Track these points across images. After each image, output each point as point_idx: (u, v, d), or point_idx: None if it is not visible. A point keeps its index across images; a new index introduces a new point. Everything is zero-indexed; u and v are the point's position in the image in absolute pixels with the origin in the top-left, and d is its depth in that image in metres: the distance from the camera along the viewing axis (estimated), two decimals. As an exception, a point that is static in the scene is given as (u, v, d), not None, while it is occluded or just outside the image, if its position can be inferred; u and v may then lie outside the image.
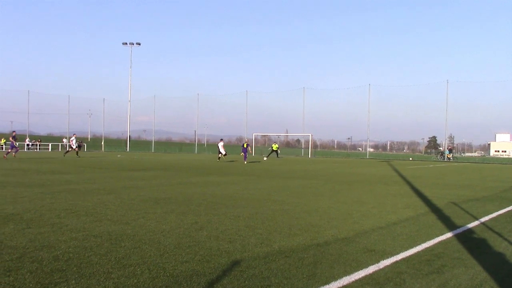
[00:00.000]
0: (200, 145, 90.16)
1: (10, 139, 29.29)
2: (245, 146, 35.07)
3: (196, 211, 8.21)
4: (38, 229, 6.23)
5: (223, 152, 35.08)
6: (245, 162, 33.46)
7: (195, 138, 79.92)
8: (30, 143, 66.97)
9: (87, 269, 4.37)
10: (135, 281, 4.06)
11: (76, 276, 4.15)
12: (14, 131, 32.95)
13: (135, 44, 70.03)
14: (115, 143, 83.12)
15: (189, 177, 16.81)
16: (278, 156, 50.24)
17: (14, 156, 31.92)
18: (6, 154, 27.86)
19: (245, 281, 4.13)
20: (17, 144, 25.69)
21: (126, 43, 70.03)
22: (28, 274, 4.17)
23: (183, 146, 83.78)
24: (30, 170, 19.24)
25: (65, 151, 38.55)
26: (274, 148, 50.37)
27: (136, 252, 5.09)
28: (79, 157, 35.24)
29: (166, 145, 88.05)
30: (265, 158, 43.05)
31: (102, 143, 75.60)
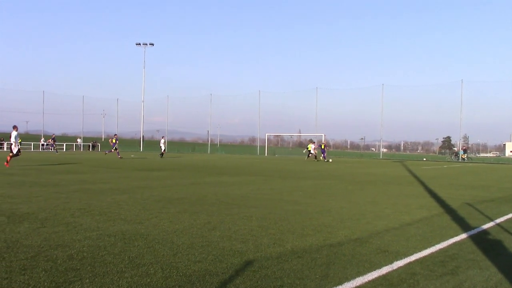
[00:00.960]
0: (213, 145, 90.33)
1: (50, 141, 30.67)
2: (322, 147, 40.66)
3: (209, 211, 8.23)
4: (53, 228, 6.29)
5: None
6: (326, 160, 38.86)
7: (208, 138, 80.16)
8: (45, 143, 67.65)
9: (101, 268, 4.41)
10: (148, 280, 4.08)
11: (90, 275, 4.18)
12: (53, 134, 34.57)
13: (148, 44, 70.39)
14: (129, 143, 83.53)
15: (202, 177, 16.86)
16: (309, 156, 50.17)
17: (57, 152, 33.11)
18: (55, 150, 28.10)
19: (257, 281, 4.13)
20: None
21: (139, 44, 70.41)
22: (43, 272, 4.21)
23: (196, 146, 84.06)
24: (45, 169, 19.44)
25: (109, 151, 38.78)
26: (309, 148, 50.30)
27: (149, 251, 5.12)
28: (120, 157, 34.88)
29: (179, 145, 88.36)
30: (316, 159, 43.89)
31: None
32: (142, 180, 14.96)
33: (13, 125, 21.27)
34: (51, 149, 51.42)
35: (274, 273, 4.40)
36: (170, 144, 76.78)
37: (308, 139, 49.84)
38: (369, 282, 4.24)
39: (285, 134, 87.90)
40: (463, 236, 6.55)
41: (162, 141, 41.71)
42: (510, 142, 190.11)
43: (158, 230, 6.33)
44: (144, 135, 77.63)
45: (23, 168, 19.95)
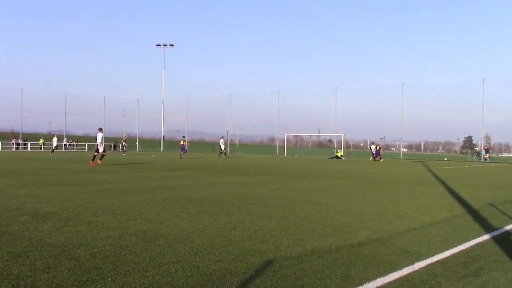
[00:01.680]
0: (233, 145, 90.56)
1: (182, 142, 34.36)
2: (377, 149, 43.74)
3: (229, 211, 8.26)
4: (76, 227, 6.39)
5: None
6: (381, 160, 42.21)
7: (227, 138, 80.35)
8: (68, 143, 68.60)
9: (123, 267, 4.46)
10: (169, 279, 4.12)
11: (112, 273, 4.23)
12: (125, 136, 36.02)
13: (168, 45, 70.89)
14: (149, 143, 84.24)
15: (222, 177, 16.92)
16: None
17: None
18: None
19: (278, 281, 4.14)
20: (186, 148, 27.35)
21: (159, 45, 70.97)
22: (66, 271, 4.28)
23: (215, 146, 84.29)
24: (68, 169, 19.72)
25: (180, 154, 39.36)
26: (339, 155, 50.34)
27: (170, 251, 5.16)
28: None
29: (199, 145, 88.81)
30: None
31: (137, 143, 76.73)
32: (163, 180, 15.08)
33: (98, 127, 24.04)
34: (121, 151, 51.98)
35: (294, 273, 4.41)
36: (190, 144, 77.09)
37: (370, 141, 52.01)
38: (390, 283, 4.21)
39: (305, 134, 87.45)
40: (486, 237, 6.46)
41: (222, 141, 43.95)
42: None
43: (178, 230, 6.38)
44: (164, 135, 78.15)
45: (46, 168, 20.26)
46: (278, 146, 68.02)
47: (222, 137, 45.88)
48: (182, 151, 38.78)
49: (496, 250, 5.68)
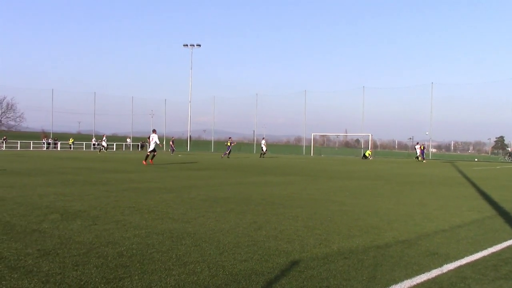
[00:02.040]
0: (259, 145, 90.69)
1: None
2: (422, 148, 44.28)
3: (255, 211, 8.26)
4: (104, 226, 6.48)
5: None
6: (424, 161, 42.27)
7: (253, 138, 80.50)
8: (96, 143, 69.71)
9: (149, 265, 4.50)
10: (195, 278, 4.14)
11: (139, 272, 4.28)
12: (230, 137, 37.27)
13: (195, 45, 71.36)
14: (176, 143, 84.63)
15: (248, 177, 16.95)
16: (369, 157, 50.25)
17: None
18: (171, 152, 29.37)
19: (303, 282, 4.11)
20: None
21: (187, 45, 71.48)
22: (94, 269, 4.34)
23: (242, 146, 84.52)
24: (95, 169, 20.03)
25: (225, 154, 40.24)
26: (367, 154, 50.46)
27: (196, 250, 5.19)
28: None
29: (225, 145, 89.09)
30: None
31: (164, 143, 77.50)
32: (189, 179, 15.19)
33: (152, 129, 25.20)
34: (170, 151, 52.26)
35: (320, 273, 4.38)
36: (217, 144, 77.46)
37: (415, 142, 52.06)
38: (418, 285, 4.14)
39: (331, 134, 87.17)
40: (517, 239, 6.31)
41: (263, 142, 45.19)
42: None
43: (204, 229, 6.41)
44: (191, 135, 78.70)
45: (75, 167, 20.63)
46: (305, 146, 67.79)
47: (264, 138, 47.22)
48: (227, 151, 40.42)
49: (528, 253, 5.54)
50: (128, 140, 75.87)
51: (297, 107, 72.43)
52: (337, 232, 6.47)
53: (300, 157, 52.40)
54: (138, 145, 74.29)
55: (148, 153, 24.77)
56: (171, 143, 54.86)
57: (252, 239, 5.83)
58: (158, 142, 24.59)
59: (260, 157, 43.56)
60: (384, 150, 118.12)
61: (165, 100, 78.37)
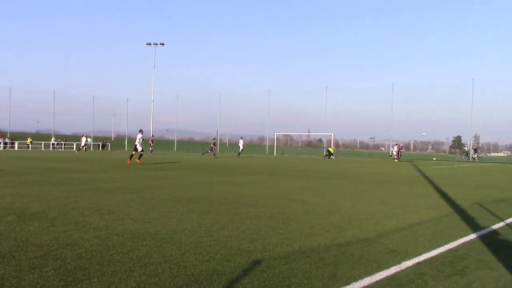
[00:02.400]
0: (222, 144, 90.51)
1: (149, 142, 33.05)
2: (399, 147, 45.51)
3: (218, 211, 8.24)
4: (62, 227, 6.33)
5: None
6: (396, 160, 43.72)
7: (217, 138, 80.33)
8: (56, 143, 68.15)
9: (109, 267, 4.43)
10: (156, 279, 4.10)
11: (99, 274, 4.20)
12: (214, 139, 38.79)
13: (158, 44, 70.60)
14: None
15: (212, 177, 16.89)
16: (333, 157, 50.71)
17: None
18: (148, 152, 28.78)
19: (265, 281, 4.13)
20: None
21: (150, 44, 70.63)
22: (52, 271, 4.24)
23: (205, 145, 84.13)
24: (56, 169, 19.57)
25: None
26: (331, 150, 51.21)
27: (157, 250, 5.14)
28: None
29: (188, 145, 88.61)
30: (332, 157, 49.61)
31: (126, 142, 76.40)
32: (152, 179, 15.02)
33: (139, 129, 25.75)
34: (210, 152, 51.10)
35: (282, 272, 4.41)
36: (180, 143, 76.96)
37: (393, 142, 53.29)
38: (377, 282, 4.22)
39: (295, 134, 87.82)
40: (473, 236, 6.51)
41: (241, 141, 46.37)
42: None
43: (166, 229, 6.35)
44: (154, 135, 77.84)
45: (34, 167, 20.10)
46: (268, 145, 68.09)
47: (242, 138, 47.79)
48: (211, 151, 42.41)
49: (483, 249, 5.73)
50: (89, 139, 74.37)
51: (261, 107, 72.67)
52: (299, 231, 6.53)
53: (263, 156, 52.59)
54: (99, 144, 73.00)
55: (133, 153, 25.30)
56: (150, 142, 54.23)
57: (214, 239, 5.81)
58: (140, 142, 25.01)
59: (238, 156, 44.68)
60: (346, 149, 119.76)
61: (127, 99, 77.36)
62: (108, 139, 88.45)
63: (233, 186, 13.13)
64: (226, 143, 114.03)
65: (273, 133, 68.86)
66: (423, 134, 59.20)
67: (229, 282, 4.09)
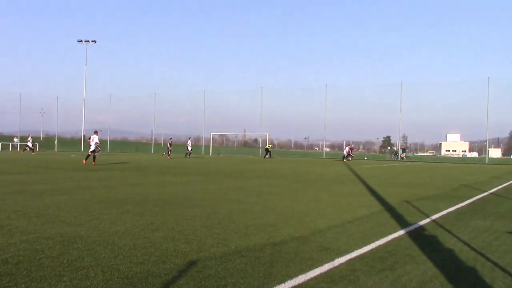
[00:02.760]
0: (157, 144, 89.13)
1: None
2: (350, 148, 47.44)
3: (152, 212, 8.11)
4: (-14, 232, 6.01)
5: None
6: (350, 159, 45.51)
7: (152, 138, 79.09)
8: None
9: (38, 272, 4.25)
10: (88, 283, 3.97)
11: (26, 279, 4.02)
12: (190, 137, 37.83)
13: (90, 41, 68.56)
14: (69, 143, 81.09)
15: (147, 177, 16.60)
16: (270, 156, 50.93)
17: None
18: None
19: (201, 281, 4.11)
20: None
21: (81, 41, 68.45)
22: (-25, 278, 4.01)
23: (139, 145, 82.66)
24: (-22, 170, 18.54)
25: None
26: (269, 148, 51.57)
27: (89, 254, 4.99)
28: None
29: (122, 145, 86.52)
30: (267, 156, 50.11)
31: (55, 142, 73.63)
32: (84, 180, 14.55)
33: (94, 130, 26.77)
34: (164, 154, 48.83)
35: (218, 272, 4.40)
36: (113, 143, 75.07)
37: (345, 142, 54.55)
38: (311, 279, 4.31)
39: (230, 134, 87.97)
40: (401, 232, 6.78)
41: (189, 142, 46.16)
42: (445, 142, 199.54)
43: (98, 232, 6.18)
44: (85, 134, 75.46)
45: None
46: (204, 145, 67.72)
47: (190, 138, 47.44)
48: (167, 151, 42.87)
49: (410, 244, 5.98)
50: (15, 140, 71.00)
51: (196, 107, 72.08)
52: (235, 230, 6.54)
53: (199, 156, 52.26)
54: (26, 145, 69.81)
55: (89, 153, 25.57)
56: (168, 145, 52.59)
57: (149, 241, 5.71)
58: (98, 143, 25.81)
59: (185, 156, 44.44)
60: (281, 149, 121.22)
61: (57, 97, 74.49)
62: (36, 139, 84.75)
63: (168, 187, 12.96)
64: (161, 143, 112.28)
65: (209, 133, 68.63)
66: (305, 137, 61.39)
67: (164, 283, 4.04)
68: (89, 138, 26.22)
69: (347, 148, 47.96)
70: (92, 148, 25.31)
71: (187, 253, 5.13)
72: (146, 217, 7.49)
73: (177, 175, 18.16)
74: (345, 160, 45.99)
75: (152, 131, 78.50)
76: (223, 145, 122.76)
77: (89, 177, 16.16)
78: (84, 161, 25.80)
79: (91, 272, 4.30)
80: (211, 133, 68.67)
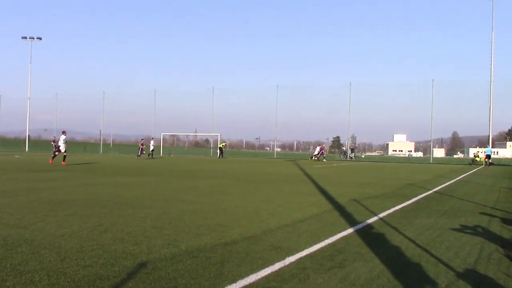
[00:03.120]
0: (106, 145, 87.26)
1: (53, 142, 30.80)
2: (321, 148, 48.55)
3: (101, 213, 7.93)
4: None
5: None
6: (324, 160, 46.46)
7: (100, 138, 77.36)
8: None
9: (-21, 277, 4.08)
10: (33, 288, 3.84)
11: (-34, 285, 3.85)
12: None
13: (35, 38, 66.31)
14: (13, 143, 78.05)
15: (94, 178, 16.21)
16: (222, 156, 50.80)
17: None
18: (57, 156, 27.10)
19: (151, 283, 4.06)
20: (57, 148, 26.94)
21: (25, 37, 66.11)
22: None
23: (87, 145, 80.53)
24: None
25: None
26: (221, 146, 51.61)
27: (34, 257, 4.82)
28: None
29: (69, 145, 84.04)
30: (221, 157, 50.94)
31: (-3, 142, 70.79)
32: (29, 182, 14.06)
33: (62, 130, 26.63)
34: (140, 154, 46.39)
35: (168, 274, 4.35)
36: (59, 143, 72.89)
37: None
38: (262, 278, 4.33)
39: (181, 134, 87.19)
40: (350, 230, 6.91)
41: (152, 142, 46.09)
42: (392, 142, 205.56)
43: (44, 235, 5.99)
44: (30, 135, 72.99)
45: None
46: (154, 146, 66.78)
47: (153, 138, 47.50)
48: (140, 152, 43.02)
49: (359, 242, 6.11)
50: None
51: (147, 107, 71.07)
52: (186, 231, 6.49)
53: (150, 157, 51.52)
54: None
55: (56, 153, 25.84)
56: (148, 144, 50.82)
57: (97, 243, 5.58)
58: (61, 143, 25.62)
59: (149, 157, 43.95)
60: (232, 149, 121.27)
61: (0, 96, 71.64)
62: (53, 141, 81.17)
63: (117, 188, 12.72)
64: (110, 143, 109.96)
65: (160, 133, 67.79)
66: (256, 137, 62.43)
67: (113, 286, 3.96)
68: (55, 140, 26.69)
69: (318, 148, 48.78)
70: (63, 148, 25.41)
71: (136, 255, 5.05)
72: (94, 219, 7.32)
73: (127, 176, 17.84)
74: (314, 159, 46.97)
75: (100, 131, 76.85)
76: (174, 145, 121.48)
77: (35, 178, 15.64)
78: (51, 161, 26.25)
79: (36, 276, 4.16)
80: (162, 133, 67.91)
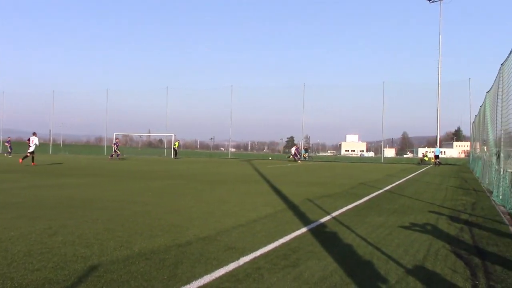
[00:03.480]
0: (56, 145, 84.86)
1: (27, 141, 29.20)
2: (297, 148, 50.31)
3: (50, 216, 7.70)
4: None
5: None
6: (299, 162, 45.99)
7: (49, 138, 75.13)
8: None
9: None
10: (-23, 294, 3.69)
11: None
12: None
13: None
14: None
15: (43, 180, 15.72)
16: (176, 156, 50.47)
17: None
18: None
19: (102, 287, 3.97)
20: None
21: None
22: None
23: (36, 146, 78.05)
24: None
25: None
26: (176, 146, 51.36)
27: (-22, 262, 4.63)
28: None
29: (16, 145, 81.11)
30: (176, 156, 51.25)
31: None
32: (-28, 184, 13.49)
33: (33, 132, 27.33)
34: (112, 156, 43.78)
35: (121, 276, 4.27)
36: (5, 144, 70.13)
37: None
38: (217, 279, 4.32)
39: (134, 134, 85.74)
40: (304, 230, 6.99)
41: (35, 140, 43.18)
42: (345, 142, 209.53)
43: (-11, 239, 5.76)
44: (30, 138, 70.05)
45: None
46: (106, 146, 65.49)
47: (118, 139, 46.54)
48: (115, 153, 42.44)
49: (312, 241, 6.18)
50: None
51: (99, 106, 69.57)
52: (139, 233, 6.40)
53: (101, 157, 50.44)
54: None
55: (28, 154, 26.24)
56: (6, 144, 48.49)
57: (46, 246, 5.42)
58: (37, 144, 26.77)
59: (111, 157, 43.21)
60: (187, 150, 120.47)
61: None
62: (26, 141, 77.18)
63: (67, 189, 12.38)
64: (60, 144, 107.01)
65: (112, 133, 66.47)
66: (211, 138, 62.83)
67: (62, 290, 3.85)
68: (28, 140, 26.91)
69: (293, 149, 49.89)
70: (31, 149, 26.09)
71: (87, 258, 4.93)
72: (43, 221, 7.10)
73: (78, 177, 17.41)
74: (294, 158, 48.32)
75: (50, 131, 74.60)
76: (126, 145, 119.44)
77: (-21, 180, 15.02)
78: (21, 160, 27.02)
79: (-19, 282, 4.00)
80: (114, 133, 66.60)
